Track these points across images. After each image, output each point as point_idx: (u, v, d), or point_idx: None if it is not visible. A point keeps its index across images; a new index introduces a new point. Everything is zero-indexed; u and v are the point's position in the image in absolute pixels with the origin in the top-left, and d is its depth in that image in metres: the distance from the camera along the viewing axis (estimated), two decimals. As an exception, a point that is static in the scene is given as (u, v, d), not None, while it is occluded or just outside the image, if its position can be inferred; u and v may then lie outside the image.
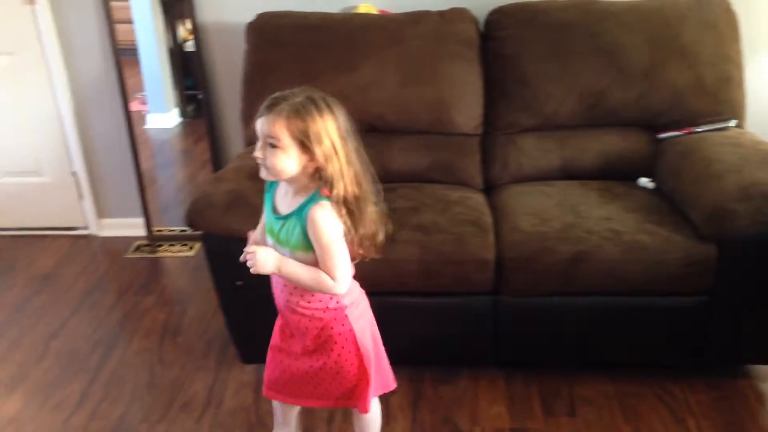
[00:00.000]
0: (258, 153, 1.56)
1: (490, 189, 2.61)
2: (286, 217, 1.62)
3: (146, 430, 2.22)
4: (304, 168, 1.56)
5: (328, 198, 1.57)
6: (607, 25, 2.52)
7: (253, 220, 2.14)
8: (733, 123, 2.47)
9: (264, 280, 2.23)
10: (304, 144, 1.52)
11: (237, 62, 2.75)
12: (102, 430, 2.22)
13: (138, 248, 3.33)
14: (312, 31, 2.61)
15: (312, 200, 1.58)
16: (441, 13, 2.63)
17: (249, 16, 2.69)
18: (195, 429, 2.21)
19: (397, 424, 2.21)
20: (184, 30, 4.49)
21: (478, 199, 2.47)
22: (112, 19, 3.07)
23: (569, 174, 2.59)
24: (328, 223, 1.57)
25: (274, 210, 1.68)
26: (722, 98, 2.49)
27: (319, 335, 1.73)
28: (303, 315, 1.71)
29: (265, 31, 2.65)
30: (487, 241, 2.21)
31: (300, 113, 1.51)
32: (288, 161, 1.54)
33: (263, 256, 1.62)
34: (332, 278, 1.61)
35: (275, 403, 1.99)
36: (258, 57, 2.64)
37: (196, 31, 3.02)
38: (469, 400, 2.30)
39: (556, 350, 2.32)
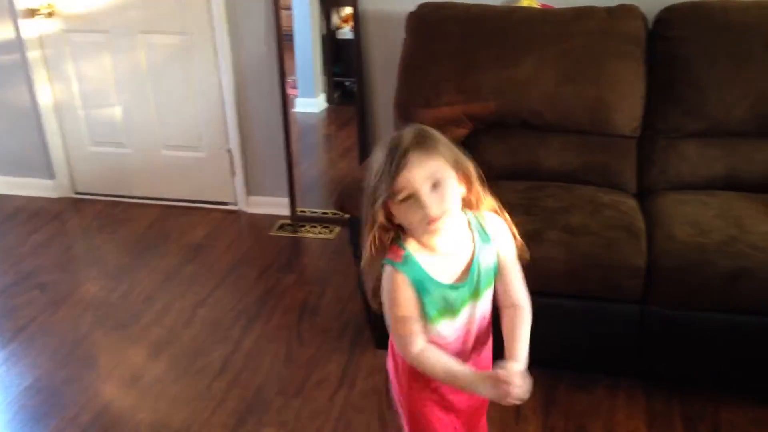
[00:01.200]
0: (429, 204, 1.28)
1: (644, 194, 2.50)
2: (471, 268, 1.39)
3: (282, 402, 2.29)
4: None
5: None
6: (790, 28, 2.35)
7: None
8: None
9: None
10: (458, 167, 1.35)
11: (392, 51, 2.78)
12: (240, 397, 2.32)
13: (282, 227, 3.45)
14: (472, 23, 2.59)
15: (478, 220, 1.43)
16: (608, 10, 2.53)
17: (410, 6, 2.70)
18: (328, 406, 2.27)
19: (528, 424, 2.17)
20: (338, 18, 4.63)
21: (631, 204, 2.37)
22: (278, 5, 3.18)
23: (733, 185, 2.43)
24: (507, 230, 1.45)
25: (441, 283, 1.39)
26: None
27: None
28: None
29: (426, 22, 2.66)
30: (638, 247, 2.12)
31: (437, 139, 1.35)
32: (456, 190, 1.34)
33: (520, 381, 1.32)
34: (526, 305, 1.47)
35: None
36: (417, 47, 2.65)
37: (356, 18, 3.07)
38: (605, 410, 2.22)
39: (705, 369, 2.20)
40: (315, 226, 3.43)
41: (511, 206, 2.30)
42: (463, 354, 1.45)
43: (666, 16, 2.50)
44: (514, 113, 2.56)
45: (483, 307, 1.44)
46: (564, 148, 2.56)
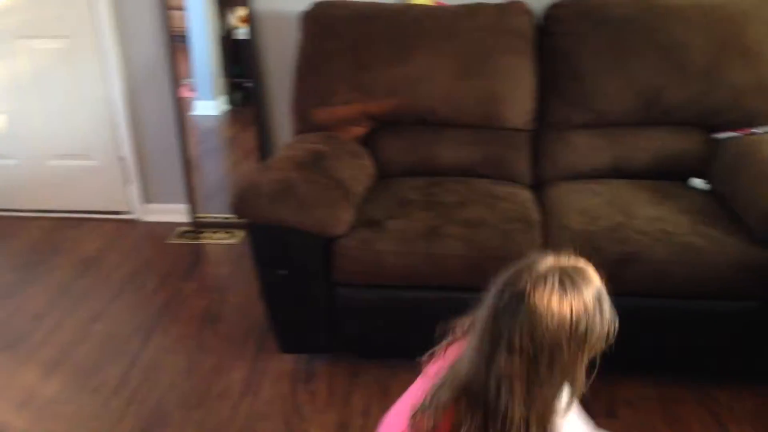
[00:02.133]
0: None
1: (539, 186, 2.56)
2: None
3: (183, 415, 2.21)
4: None
5: None
6: (668, 21, 2.45)
7: (300, 211, 2.14)
8: (794, 126, 2.38)
9: (306, 271, 2.23)
10: None
11: (289, 51, 2.74)
12: (139, 413, 2.23)
13: (181, 234, 3.35)
14: (366, 21, 2.59)
15: None
16: (497, 6, 2.58)
17: (304, 5, 2.67)
18: (231, 417, 2.21)
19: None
20: (234, 18, 4.53)
21: (526, 196, 2.42)
22: (166, 4, 3.09)
23: (620, 173, 2.53)
24: None
25: None
26: (785, 101, 2.41)
27: None
28: None
29: (320, 21, 2.64)
30: (533, 238, 2.16)
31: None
32: None
33: None
34: None
35: None
36: (311, 46, 2.63)
37: (251, 18, 3.02)
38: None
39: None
40: (217, 232, 3.35)
41: (411, 203, 2.35)
42: None
43: (552, 12, 2.57)
44: (410, 110, 2.57)
45: None
46: (460, 143, 2.60)
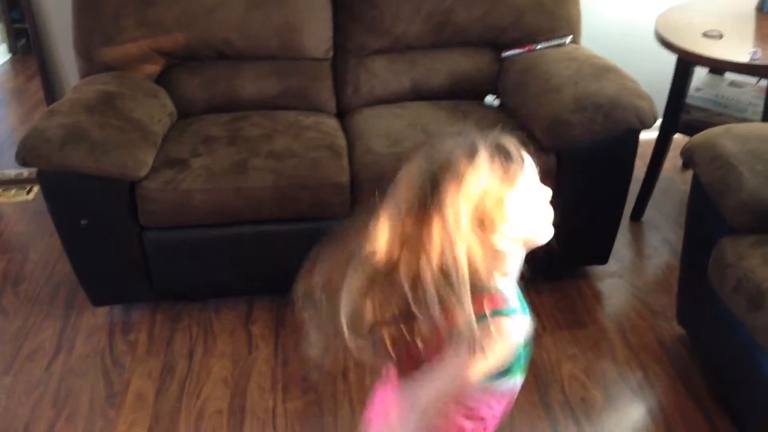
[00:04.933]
0: None
1: (343, 113, 2.60)
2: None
3: (-9, 383, 2.09)
4: None
5: None
6: (450, -56, 2.52)
7: (94, 156, 2.02)
8: (569, 39, 2.57)
9: (109, 218, 2.13)
10: None
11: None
12: (-60, 388, 2.07)
13: (-31, 196, 3.07)
14: (146, -50, 2.44)
15: None
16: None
17: (75, -64, 2.47)
18: (44, 377, 2.11)
19: (259, 351, 2.21)
20: (5, -44, 4.11)
21: (332, 124, 2.45)
22: None
23: (420, 95, 2.61)
24: None
25: None
26: (559, 15, 2.57)
27: None
28: None
29: (95, -48, 2.45)
30: (341, 164, 2.21)
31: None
32: None
33: None
34: None
35: None
36: (88, -20, 2.44)
37: (15, -47, 2.74)
38: (331, 322, 2.32)
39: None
40: (9, 189, 3.09)
41: (215, 139, 2.30)
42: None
43: (340, -64, 2.56)
44: (204, 44, 2.48)
45: None
46: (260, 76, 2.55)
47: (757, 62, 2.24)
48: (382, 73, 2.61)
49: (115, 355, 2.19)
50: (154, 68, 2.49)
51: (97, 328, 2.30)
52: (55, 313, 2.37)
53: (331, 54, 2.61)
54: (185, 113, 2.51)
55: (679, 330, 2.20)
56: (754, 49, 2.28)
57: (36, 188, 3.06)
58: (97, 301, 2.33)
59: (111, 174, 2.05)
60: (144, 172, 2.11)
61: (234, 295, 2.43)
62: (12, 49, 4.35)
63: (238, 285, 2.39)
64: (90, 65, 2.46)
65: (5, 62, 4.29)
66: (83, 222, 2.13)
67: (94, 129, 2.08)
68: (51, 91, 2.99)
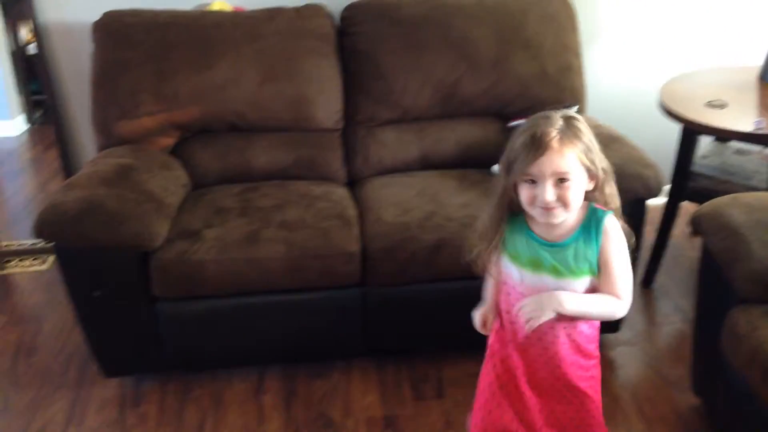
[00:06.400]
0: (548, 195, 1.40)
1: (353, 183, 2.64)
2: (565, 244, 1.48)
3: (1, 457, 2.08)
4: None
5: (610, 211, 1.49)
6: (457, 19, 2.60)
7: (110, 228, 2.06)
8: (574, 108, 2.62)
9: (122, 290, 2.15)
10: (590, 169, 1.42)
11: (85, 64, 2.61)
12: (-50, 462, 2.06)
13: (-16, 266, 3.10)
14: (163, 29, 2.52)
15: (595, 216, 1.48)
16: (296, 10, 2.61)
17: (95, 15, 2.56)
18: (56, 451, 2.10)
19: (271, 423, 2.19)
20: (26, 31, 4.24)
21: (342, 193, 2.49)
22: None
23: (428, 164, 2.65)
24: (622, 235, 1.48)
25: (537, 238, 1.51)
26: (564, 85, 2.64)
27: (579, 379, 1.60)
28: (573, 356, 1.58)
29: (113, 30, 2.53)
30: (351, 233, 2.23)
31: (582, 135, 1.42)
32: (580, 192, 1.43)
33: (533, 306, 1.46)
34: (620, 297, 1.49)
35: None
36: (106, 57, 2.52)
37: (37, 32, 2.85)
38: (341, 392, 2.31)
39: (424, 336, 2.38)
40: (24, 259, 3.13)
41: (228, 210, 2.34)
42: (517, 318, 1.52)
43: (348, 13, 2.64)
44: (218, 117, 2.55)
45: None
46: (272, 147, 2.61)
47: (761, 131, 2.27)
48: (392, 143, 2.66)
49: (126, 429, 2.18)
50: (168, 141, 2.55)
51: (108, 400, 2.29)
52: (67, 384, 2.37)
53: (341, 125, 2.67)
54: (199, 184, 2.56)
55: (695, 400, 2.17)
56: (758, 119, 2.31)
57: (51, 258, 3.10)
58: (109, 372, 2.33)
59: (126, 245, 2.09)
60: (158, 242, 2.14)
61: (245, 365, 2.43)
62: (30, 119, 4.45)
63: (249, 355, 2.39)
64: (107, 139, 2.53)
65: (24, 132, 4.38)
66: (96, 294, 2.15)
67: (110, 201, 2.12)
68: (68, 161, 3.06)
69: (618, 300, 1.49)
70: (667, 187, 2.56)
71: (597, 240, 1.47)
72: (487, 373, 1.69)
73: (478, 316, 1.65)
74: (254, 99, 2.54)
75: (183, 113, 2.50)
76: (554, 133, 1.39)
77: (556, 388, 1.61)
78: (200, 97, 2.50)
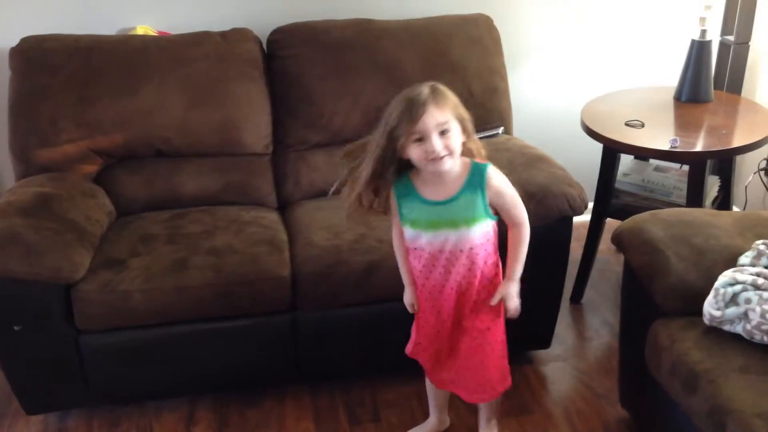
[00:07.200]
0: (437, 146, 1.63)
1: (284, 207, 2.62)
2: (455, 198, 1.73)
3: None
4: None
5: (488, 163, 1.76)
6: (384, 42, 2.63)
7: (27, 260, 1.99)
8: (501, 130, 2.68)
9: (44, 323, 2.08)
10: (462, 120, 1.68)
11: (2, 90, 2.53)
12: None
13: None
14: (84, 54, 2.47)
15: (477, 170, 1.74)
16: (222, 34, 2.59)
17: (12, 41, 2.49)
18: (-27, 495, 2.00)
19: (202, 455, 2.14)
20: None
21: (273, 218, 2.47)
22: None
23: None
24: (505, 178, 1.77)
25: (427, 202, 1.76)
26: (490, 107, 2.69)
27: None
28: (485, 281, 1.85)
29: (32, 56, 2.46)
30: (282, 258, 2.21)
31: (449, 96, 1.67)
32: (458, 138, 1.68)
33: (515, 302, 1.86)
34: (523, 222, 1.81)
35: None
36: (25, 84, 2.45)
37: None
38: (275, 420, 2.28)
39: (357, 359, 2.37)
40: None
41: (155, 237, 2.29)
42: (431, 275, 1.83)
43: (276, 37, 2.63)
44: (143, 143, 2.50)
45: (461, 242, 1.76)
46: (201, 173, 2.57)
47: (677, 149, 2.36)
48: (322, 167, 2.66)
49: (50, 469, 2.10)
50: (92, 168, 2.49)
51: (31, 439, 2.20)
52: (-15, 424, 2.27)
53: (271, 149, 2.66)
54: (125, 212, 2.49)
55: (623, 413, 2.22)
56: (674, 137, 2.41)
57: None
58: (31, 409, 2.24)
59: (46, 277, 2.02)
60: (80, 274, 2.08)
61: (175, 396, 2.37)
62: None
63: (179, 385, 2.33)
64: (26, 167, 2.45)
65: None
66: (16, 328, 2.07)
67: (28, 232, 2.05)
68: (-14, 191, 2.95)
69: (522, 224, 1.82)
70: (591, 205, 2.63)
71: (482, 187, 1.73)
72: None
73: (406, 301, 1.94)
74: (181, 124, 2.50)
75: (106, 140, 2.44)
76: (427, 94, 1.64)
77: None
78: (125, 123, 2.45)
